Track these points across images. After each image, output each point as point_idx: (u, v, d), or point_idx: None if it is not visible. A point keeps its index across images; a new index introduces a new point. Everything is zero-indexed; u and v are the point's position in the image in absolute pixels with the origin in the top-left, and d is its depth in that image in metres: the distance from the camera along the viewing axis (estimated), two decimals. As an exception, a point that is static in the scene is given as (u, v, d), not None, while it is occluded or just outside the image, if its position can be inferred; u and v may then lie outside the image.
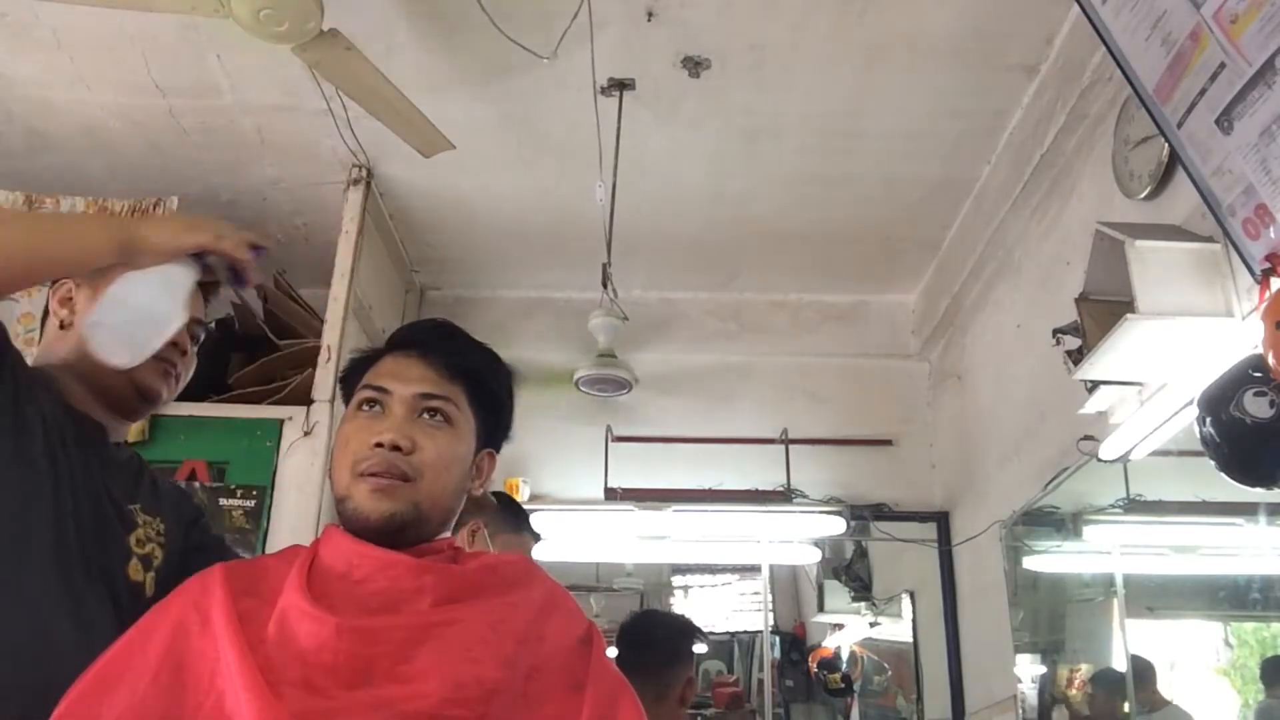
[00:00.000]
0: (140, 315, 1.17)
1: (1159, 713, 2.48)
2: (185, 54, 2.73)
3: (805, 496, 3.68)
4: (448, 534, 1.14)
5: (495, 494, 1.86)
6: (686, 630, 2.24)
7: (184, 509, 1.31)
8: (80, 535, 1.11)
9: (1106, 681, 2.75)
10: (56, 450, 1.12)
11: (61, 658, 1.03)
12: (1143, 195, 2.22)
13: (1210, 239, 1.93)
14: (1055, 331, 2.33)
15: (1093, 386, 2.23)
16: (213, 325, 3.15)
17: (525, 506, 3.53)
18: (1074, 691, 2.86)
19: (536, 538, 2.11)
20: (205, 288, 1.28)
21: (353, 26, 2.39)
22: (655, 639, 2.29)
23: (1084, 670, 2.86)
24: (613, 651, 2.04)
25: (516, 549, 1.99)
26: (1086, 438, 2.43)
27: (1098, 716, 2.76)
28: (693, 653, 2.25)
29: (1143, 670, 2.51)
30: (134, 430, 2.75)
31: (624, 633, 2.38)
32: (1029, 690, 2.98)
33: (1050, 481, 2.71)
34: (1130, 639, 2.56)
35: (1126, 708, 2.62)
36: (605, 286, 2.90)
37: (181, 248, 1.16)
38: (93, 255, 1.15)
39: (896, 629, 3.88)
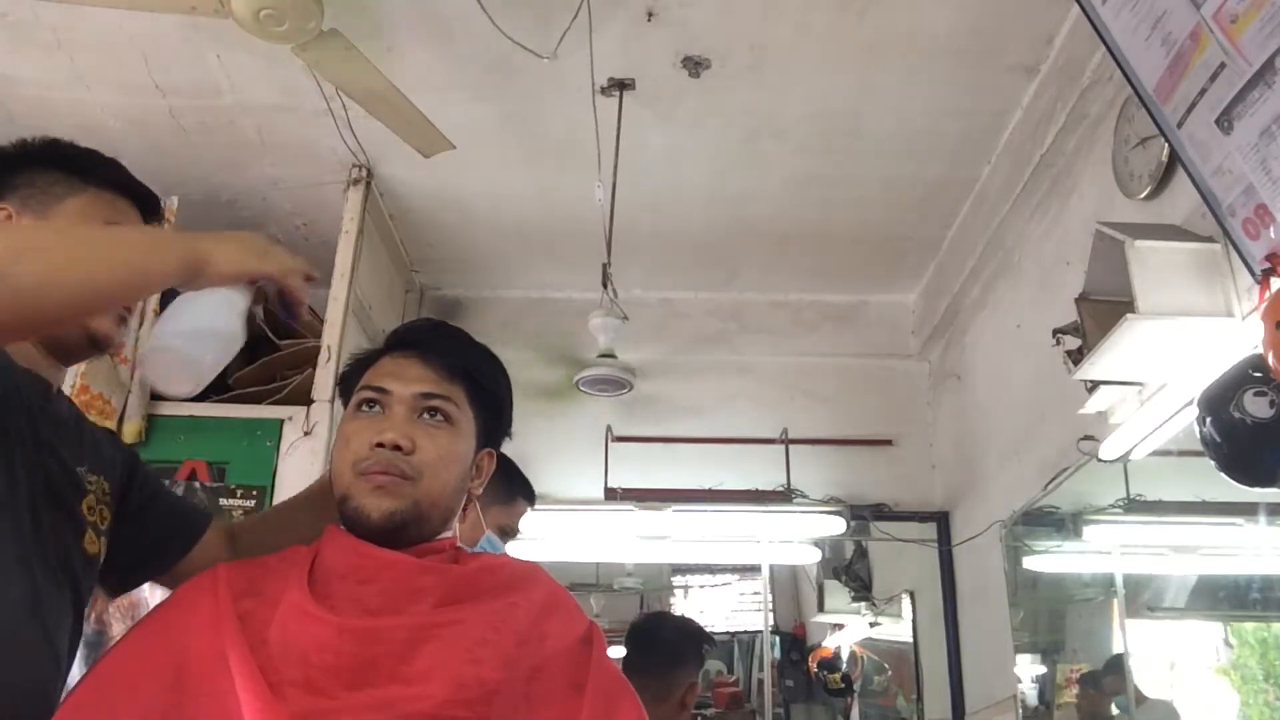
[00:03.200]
0: (205, 341, 1.09)
1: (1142, 706, 2.50)
2: (185, 54, 2.73)
3: (805, 496, 3.67)
4: (449, 533, 1.14)
5: None
6: (693, 634, 2.24)
7: (118, 461, 1.23)
8: (36, 523, 1.04)
9: (1093, 682, 2.77)
10: (8, 424, 1.04)
11: (26, 659, 1.01)
12: (1143, 195, 2.22)
13: (1210, 239, 1.93)
14: (1055, 331, 2.33)
15: (1093, 386, 2.23)
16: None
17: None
18: (1067, 692, 2.87)
19: (530, 500, 2.11)
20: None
21: (353, 26, 2.39)
22: (660, 640, 2.29)
23: (1085, 669, 2.86)
24: (621, 650, 2.04)
25: (508, 521, 2.00)
26: (1086, 438, 2.43)
27: (1087, 716, 2.78)
28: (699, 657, 2.24)
29: (1126, 668, 2.53)
30: (130, 431, 2.75)
31: (631, 633, 2.40)
32: (1029, 690, 2.98)
33: (1050, 481, 2.71)
34: (1130, 639, 2.56)
35: (1111, 707, 2.64)
36: (605, 286, 2.90)
37: (247, 275, 1.09)
38: (156, 280, 1.05)
39: (896, 629, 3.88)
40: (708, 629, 2.53)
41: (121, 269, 0.99)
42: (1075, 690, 2.85)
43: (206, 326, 1.08)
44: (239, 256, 1.07)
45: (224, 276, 1.06)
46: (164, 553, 1.23)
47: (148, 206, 1.22)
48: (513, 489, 2.04)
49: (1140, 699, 2.51)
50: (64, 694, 1.03)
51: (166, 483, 1.33)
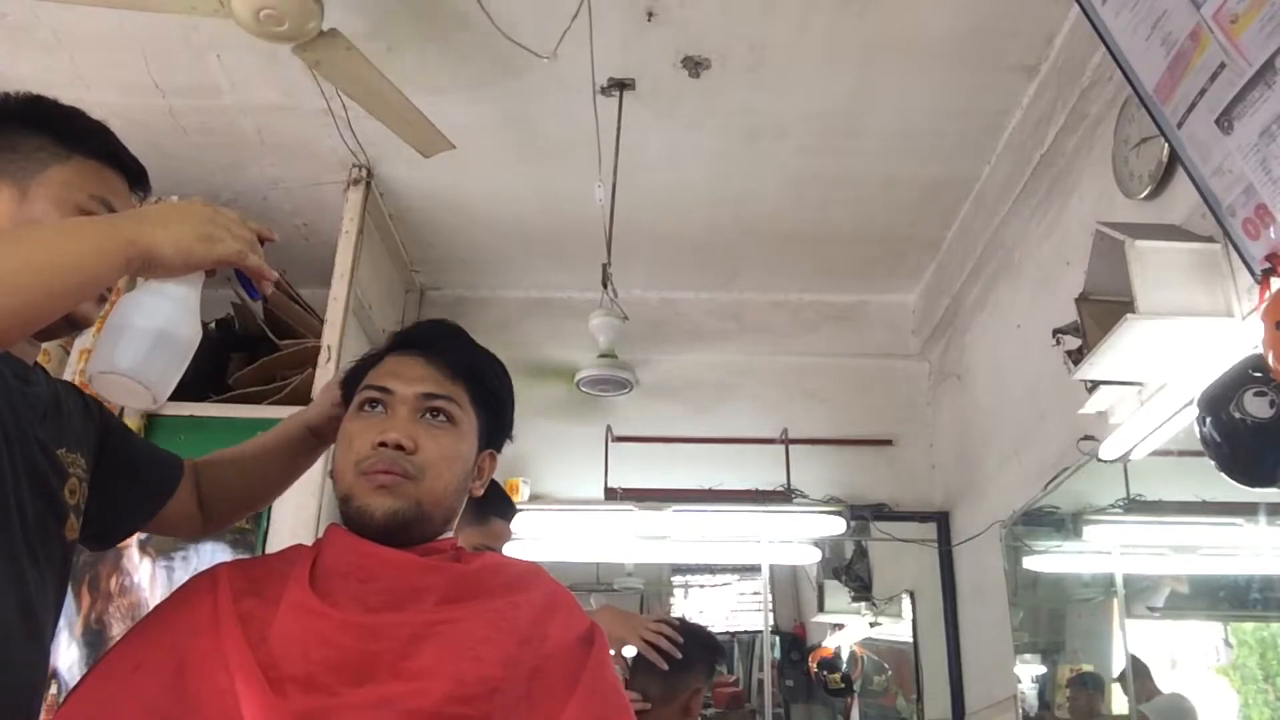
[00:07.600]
0: (159, 357, 0.98)
1: (1155, 700, 2.50)
2: (185, 54, 2.73)
3: (805, 496, 3.68)
4: (450, 534, 1.14)
5: None
6: (703, 642, 2.23)
7: (91, 431, 1.17)
8: (23, 517, 1.01)
9: (1085, 684, 2.77)
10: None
11: (19, 660, 1.01)
12: (1143, 195, 2.22)
13: (1210, 239, 1.93)
14: (1055, 331, 2.34)
15: (1093, 386, 2.23)
16: (212, 325, 3.19)
17: (525, 507, 3.52)
18: (1066, 692, 2.87)
19: (507, 517, 2.10)
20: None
21: (353, 26, 2.39)
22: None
23: (1086, 668, 2.87)
24: (630, 651, 2.04)
25: (483, 541, 1.99)
26: (1086, 438, 2.43)
27: (1079, 718, 2.78)
28: (708, 665, 2.23)
29: (1139, 668, 2.52)
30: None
31: None
32: (1029, 690, 2.98)
33: (1050, 481, 2.71)
34: (1130, 639, 2.56)
35: (1106, 708, 2.63)
36: (605, 286, 2.90)
37: (198, 267, 0.99)
38: (100, 285, 0.95)
39: (896, 629, 3.88)
40: (708, 629, 2.53)
41: (58, 280, 0.88)
42: (1068, 692, 2.85)
43: (159, 340, 0.98)
44: (186, 244, 0.96)
45: (173, 270, 0.98)
46: (144, 506, 1.22)
47: (134, 177, 1.14)
48: (484, 508, 2.00)
49: (1153, 693, 2.50)
50: (55, 689, 1.03)
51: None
